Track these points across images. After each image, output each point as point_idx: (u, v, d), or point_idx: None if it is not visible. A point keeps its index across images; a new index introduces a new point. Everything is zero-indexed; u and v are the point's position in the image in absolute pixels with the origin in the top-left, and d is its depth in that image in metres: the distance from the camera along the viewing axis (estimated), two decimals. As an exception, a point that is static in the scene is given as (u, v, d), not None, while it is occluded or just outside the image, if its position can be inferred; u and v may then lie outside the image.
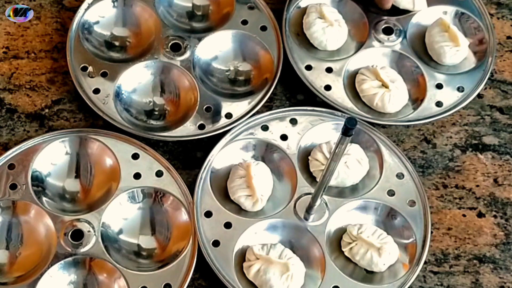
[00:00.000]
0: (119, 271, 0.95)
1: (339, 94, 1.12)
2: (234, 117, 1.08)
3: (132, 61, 1.11)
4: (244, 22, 1.16)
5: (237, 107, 1.09)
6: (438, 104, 1.12)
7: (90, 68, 1.09)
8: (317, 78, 1.13)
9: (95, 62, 1.10)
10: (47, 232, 0.98)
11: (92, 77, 1.09)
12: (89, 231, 0.97)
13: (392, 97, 1.10)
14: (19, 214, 0.99)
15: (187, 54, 1.12)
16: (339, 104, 1.11)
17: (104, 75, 1.10)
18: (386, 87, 1.10)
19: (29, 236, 0.99)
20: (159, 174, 1.02)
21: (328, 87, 1.12)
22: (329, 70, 1.14)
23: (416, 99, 1.13)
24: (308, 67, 1.14)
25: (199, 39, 1.13)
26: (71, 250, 0.96)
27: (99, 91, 1.08)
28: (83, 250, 0.96)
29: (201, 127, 1.07)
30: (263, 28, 1.16)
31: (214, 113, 1.08)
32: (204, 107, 1.09)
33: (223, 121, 1.08)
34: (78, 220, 0.98)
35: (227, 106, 1.09)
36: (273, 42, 1.15)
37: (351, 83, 1.13)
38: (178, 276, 0.96)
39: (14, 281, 0.95)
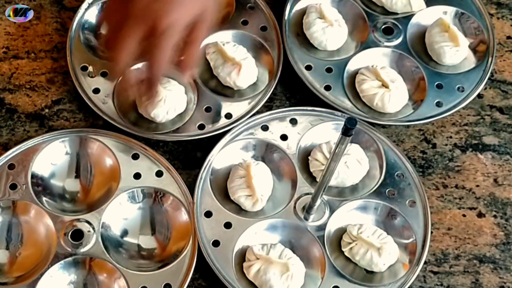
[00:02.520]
0: (119, 271, 0.95)
1: (339, 94, 1.12)
2: (234, 117, 1.08)
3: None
4: (245, 22, 1.16)
5: (237, 107, 1.09)
6: (438, 104, 1.12)
7: (90, 68, 1.09)
8: (317, 78, 1.13)
9: (95, 62, 1.10)
10: (47, 232, 0.98)
11: (92, 77, 1.09)
12: (89, 231, 0.97)
13: (392, 97, 1.10)
14: (19, 214, 0.99)
15: None
16: (339, 104, 1.11)
17: (104, 75, 1.10)
18: (386, 87, 1.10)
19: (29, 236, 0.98)
20: (159, 174, 1.02)
21: (328, 87, 1.12)
22: (329, 70, 1.14)
23: (416, 99, 1.13)
24: (308, 67, 1.14)
25: None
26: (71, 250, 0.96)
27: (99, 91, 1.08)
28: (83, 250, 0.96)
29: (201, 127, 1.07)
30: (263, 28, 1.16)
31: (214, 113, 1.09)
32: (204, 107, 1.09)
33: (223, 121, 1.08)
34: (78, 220, 0.98)
35: (227, 106, 1.09)
36: (273, 42, 1.15)
37: (351, 83, 1.14)
38: (178, 276, 0.96)
39: (14, 281, 0.95)
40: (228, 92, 1.12)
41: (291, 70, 1.13)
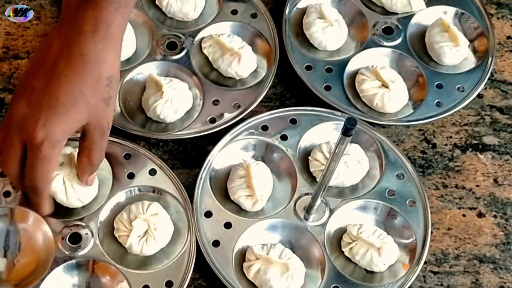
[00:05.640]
0: (119, 271, 0.95)
1: (339, 94, 1.12)
2: (243, 107, 1.08)
3: (132, 63, 1.11)
4: (234, 12, 1.17)
5: (243, 96, 1.10)
6: (438, 104, 1.12)
7: None
8: (317, 78, 1.13)
9: None
10: (45, 238, 0.96)
11: None
12: (86, 234, 0.97)
13: (392, 97, 1.10)
14: (16, 221, 0.97)
15: (183, 52, 1.13)
16: (339, 104, 1.11)
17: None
18: (386, 87, 1.10)
19: (26, 243, 0.96)
20: (152, 172, 1.02)
21: (328, 87, 1.12)
22: (329, 70, 1.14)
23: (416, 99, 1.13)
24: (308, 67, 1.14)
25: (193, 36, 1.14)
26: (70, 253, 0.95)
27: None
28: (81, 253, 0.96)
29: (212, 120, 1.07)
30: (254, 16, 1.17)
31: (222, 105, 1.09)
32: (212, 100, 1.09)
33: (234, 111, 1.08)
34: (76, 223, 0.97)
35: (233, 96, 1.10)
36: (265, 28, 1.15)
37: (351, 83, 1.13)
38: (177, 276, 0.95)
39: (13, 289, 0.94)
40: (230, 83, 1.12)
41: (291, 70, 1.13)
